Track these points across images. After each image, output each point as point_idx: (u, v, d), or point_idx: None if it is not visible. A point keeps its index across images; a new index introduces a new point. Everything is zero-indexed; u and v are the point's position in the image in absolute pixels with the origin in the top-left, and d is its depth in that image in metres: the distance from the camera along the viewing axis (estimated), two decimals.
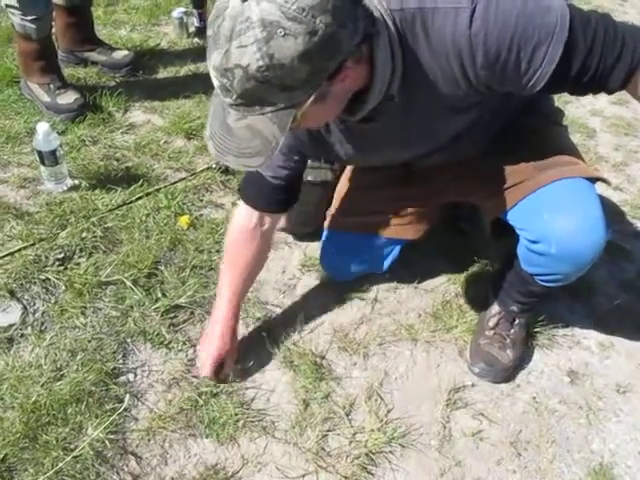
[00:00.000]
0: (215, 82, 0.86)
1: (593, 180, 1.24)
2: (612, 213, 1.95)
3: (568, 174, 1.21)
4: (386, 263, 1.53)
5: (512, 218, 1.27)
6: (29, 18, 1.91)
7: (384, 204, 1.46)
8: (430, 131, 1.16)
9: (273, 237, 1.42)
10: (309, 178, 1.51)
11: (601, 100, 2.59)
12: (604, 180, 1.29)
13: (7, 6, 1.90)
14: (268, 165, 1.10)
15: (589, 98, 2.52)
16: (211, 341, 1.35)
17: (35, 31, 1.94)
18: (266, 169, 1.24)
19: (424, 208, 1.46)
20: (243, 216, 1.34)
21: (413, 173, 1.39)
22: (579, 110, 2.47)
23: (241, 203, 1.34)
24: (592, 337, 1.58)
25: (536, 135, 1.29)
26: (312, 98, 0.87)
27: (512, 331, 1.46)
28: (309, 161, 1.53)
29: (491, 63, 0.96)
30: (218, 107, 0.91)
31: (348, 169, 1.54)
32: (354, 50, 0.87)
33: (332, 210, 1.56)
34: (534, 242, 1.23)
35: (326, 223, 1.57)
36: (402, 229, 1.47)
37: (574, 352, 1.53)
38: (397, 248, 1.51)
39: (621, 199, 2.04)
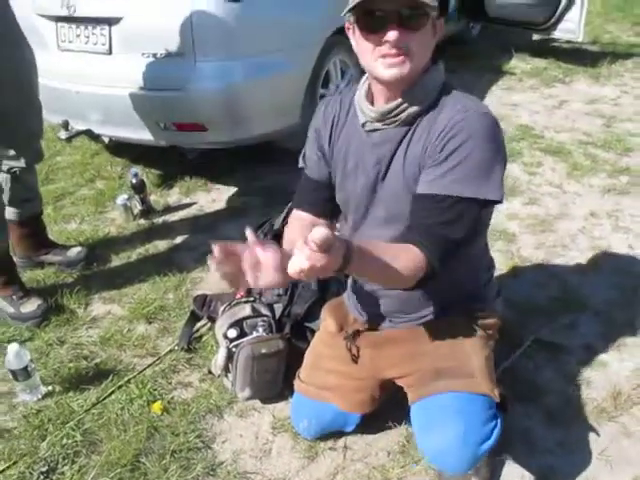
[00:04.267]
0: None
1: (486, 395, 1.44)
2: (540, 312, 2.15)
3: (455, 388, 1.43)
4: (349, 427, 1.64)
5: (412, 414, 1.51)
6: None
7: (336, 379, 1.60)
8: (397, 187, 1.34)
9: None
10: (263, 350, 1.67)
11: (514, 203, 2.88)
12: (495, 398, 1.45)
13: None
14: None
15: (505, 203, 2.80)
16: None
17: None
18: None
19: (369, 384, 1.59)
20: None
21: (360, 355, 1.58)
22: (497, 217, 2.71)
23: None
24: (551, 438, 1.69)
25: (457, 334, 1.50)
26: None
27: None
28: (262, 334, 1.70)
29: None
30: None
31: (315, 338, 1.71)
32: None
33: (299, 374, 1.68)
34: None
35: (295, 385, 1.68)
36: (355, 404, 1.60)
37: (538, 458, 1.63)
38: (357, 416, 1.62)
39: (546, 296, 2.24)
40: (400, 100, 1.28)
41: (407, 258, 1.19)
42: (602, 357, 1.96)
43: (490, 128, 1.25)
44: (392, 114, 1.30)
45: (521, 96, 4.28)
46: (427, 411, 1.45)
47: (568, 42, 4.93)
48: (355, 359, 1.58)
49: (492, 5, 4.59)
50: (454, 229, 1.24)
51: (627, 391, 1.82)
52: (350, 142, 1.41)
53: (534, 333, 2.05)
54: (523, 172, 3.16)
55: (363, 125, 1.36)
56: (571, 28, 4.47)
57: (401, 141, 1.32)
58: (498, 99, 4.20)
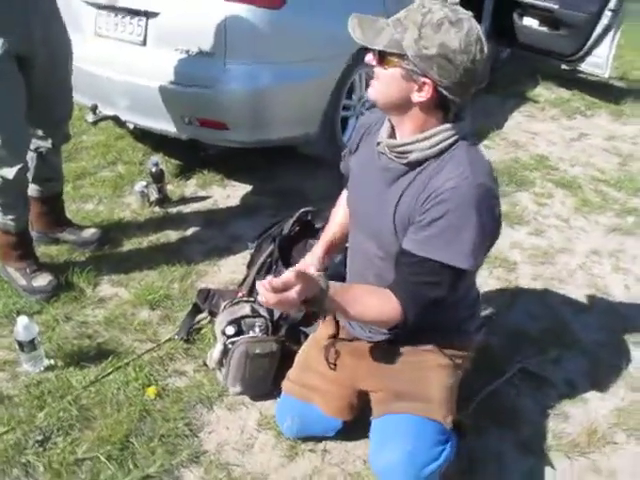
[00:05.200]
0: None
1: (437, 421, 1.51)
2: (530, 342, 2.21)
3: (411, 411, 1.51)
4: (330, 433, 1.72)
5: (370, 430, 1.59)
6: (9, 217, 2.19)
7: (322, 382, 1.68)
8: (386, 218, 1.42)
9: None
10: (257, 350, 1.75)
11: (520, 232, 2.93)
12: (447, 426, 1.52)
13: None
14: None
15: (508, 230, 2.86)
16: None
17: (14, 227, 2.22)
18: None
19: (348, 392, 1.67)
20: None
21: (342, 361, 1.67)
22: (501, 245, 2.76)
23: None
24: (521, 465, 1.76)
25: (424, 360, 1.58)
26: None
27: None
28: (258, 334, 1.78)
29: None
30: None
31: (309, 340, 1.80)
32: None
33: (288, 375, 1.76)
34: None
35: (283, 385, 1.76)
36: (336, 409, 1.68)
37: None
38: (339, 422, 1.69)
39: (538, 328, 2.29)
40: (401, 141, 1.38)
41: (384, 310, 1.36)
42: (583, 394, 2.02)
43: (480, 199, 1.30)
44: (395, 150, 1.38)
45: (541, 125, 4.32)
46: (382, 429, 1.54)
47: (594, 75, 4.95)
48: (332, 366, 1.66)
49: (522, 31, 4.64)
50: (435, 290, 1.36)
51: (603, 429, 1.89)
52: (366, 154, 1.51)
53: (521, 362, 2.11)
54: (532, 202, 3.20)
55: (378, 143, 1.45)
56: (599, 63, 4.50)
57: (399, 178, 1.40)
58: (518, 125, 4.24)
